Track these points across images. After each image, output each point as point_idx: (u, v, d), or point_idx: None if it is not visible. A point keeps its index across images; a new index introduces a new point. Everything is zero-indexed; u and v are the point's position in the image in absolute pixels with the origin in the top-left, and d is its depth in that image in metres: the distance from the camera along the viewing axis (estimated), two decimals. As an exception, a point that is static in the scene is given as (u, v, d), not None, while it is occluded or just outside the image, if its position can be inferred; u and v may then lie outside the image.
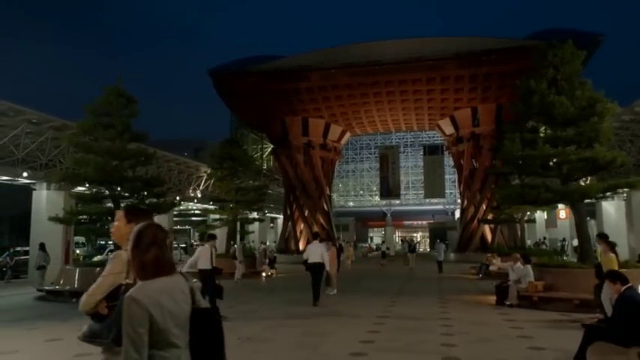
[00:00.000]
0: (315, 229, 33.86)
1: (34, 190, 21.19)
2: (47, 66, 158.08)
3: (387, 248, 36.53)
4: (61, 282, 14.38)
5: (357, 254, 36.90)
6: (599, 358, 5.26)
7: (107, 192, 15.58)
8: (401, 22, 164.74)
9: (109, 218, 15.78)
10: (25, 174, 19.76)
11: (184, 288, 2.09)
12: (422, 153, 49.39)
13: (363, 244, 52.19)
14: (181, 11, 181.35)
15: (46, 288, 14.57)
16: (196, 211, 40.92)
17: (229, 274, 17.59)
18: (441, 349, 7.18)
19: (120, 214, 2.85)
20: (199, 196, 32.28)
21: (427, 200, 54.78)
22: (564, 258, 15.46)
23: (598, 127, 11.95)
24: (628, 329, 5.17)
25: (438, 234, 40.86)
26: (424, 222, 55.03)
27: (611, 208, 26.17)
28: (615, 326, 5.47)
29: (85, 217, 16.02)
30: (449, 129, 34.51)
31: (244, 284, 17.50)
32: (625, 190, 20.16)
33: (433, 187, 46.39)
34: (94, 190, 16.57)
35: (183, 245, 37.81)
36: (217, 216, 25.84)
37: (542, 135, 13.60)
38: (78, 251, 28.97)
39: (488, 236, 31.49)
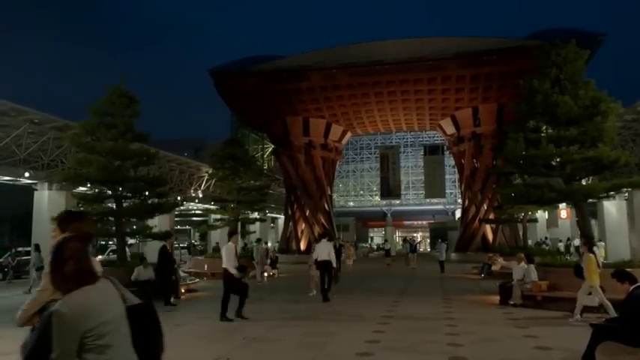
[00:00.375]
0: (316, 229, 33.91)
1: (36, 190, 21.16)
2: (46, 63, 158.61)
3: (389, 248, 36.50)
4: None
5: (357, 254, 36.86)
6: (609, 358, 5.24)
7: (110, 192, 15.57)
8: (400, 22, 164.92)
9: (112, 219, 15.82)
10: (26, 174, 19.75)
11: (111, 291, 2.15)
12: (422, 153, 49.43)
13: (364, 244, 52.19)
14: (181, 11, 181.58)
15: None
16: (197, 212, 40.88)
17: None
18: (448, 349, 7.17)
19: (54, 227, 2.75)
20: (200, 196, 32.26)
21: (427, 200, 54.78)
22: (567, 258, 15.45)
23: (602, 127, 11.95)
24: (638, 329, 5.15)
25: (438, 234, 40.84)
26: (424, 222, 55.02)
27: (613, 208, 26.20)
28: (624, 326, 5.44)
29: (86, 217, 15.98)
30: (450, 129, 34.51)
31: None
32: (627, 189, 20.19)
33: (433, 187, 46.41)
34: (97, 190, 16.54)
35: (184, 245, 37.76)
36: (218, 216, 25.83)
37: (543, 135, 13.60)
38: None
39: (490, 236, 31.50)
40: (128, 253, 17.13)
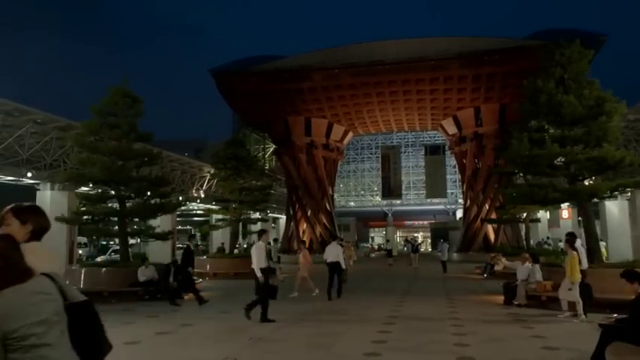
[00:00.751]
0: (318, 229, 33.95)
1: (38, 190, 21.14)
2: (47, 62, 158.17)
3: (391, 248, 36.50)
4: (67, 282, 14.32)
5: (358, 254, 36.84)
6: (618, 359, 5.23)
7: (113, 192, 15.56)
8: (400, 22, 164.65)
9: (114, 218, 15.81)
10: (29, 174, 19.73)
11: (47, 288, 2.10)
12: (423, 153, 49.41)
13: (365, 244, 52.14)
14: (181, 11, 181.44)
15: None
16: (198, 212, 40.86)
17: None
18: (455, 349, 7.17)
19: (9, 216, 2.48)
20: (202, 196, 32.25)
21: (428, 200, 54.73)
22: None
23: (606, 127, 11.95)
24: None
25: (439, 234, 40.79)
26: (425, 222, 54.99)
27: (615, 208, 26.17)
28: (634, 326, 5.43)
29: (89, 217, 15.99)
30: (452, 129, 34.49)
31: (246, 285, 17.42)
32: (629, 189, 20.16)
33: (434, 187, 46.40)
34: (100, 190, 16.54)
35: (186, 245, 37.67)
36: (220, 216, 25.84)
37: (546, 135, 13.59)
38: (80, 252, 28.94)
39: (492, 236, 31.48)
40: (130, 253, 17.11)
